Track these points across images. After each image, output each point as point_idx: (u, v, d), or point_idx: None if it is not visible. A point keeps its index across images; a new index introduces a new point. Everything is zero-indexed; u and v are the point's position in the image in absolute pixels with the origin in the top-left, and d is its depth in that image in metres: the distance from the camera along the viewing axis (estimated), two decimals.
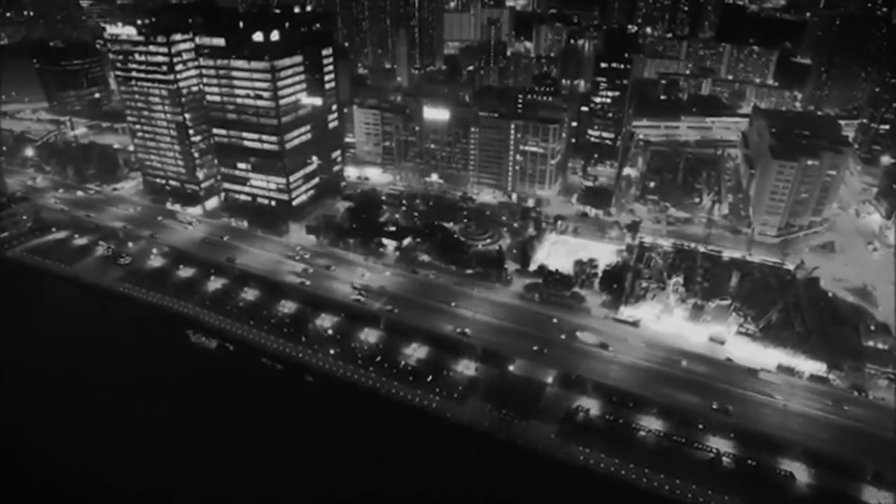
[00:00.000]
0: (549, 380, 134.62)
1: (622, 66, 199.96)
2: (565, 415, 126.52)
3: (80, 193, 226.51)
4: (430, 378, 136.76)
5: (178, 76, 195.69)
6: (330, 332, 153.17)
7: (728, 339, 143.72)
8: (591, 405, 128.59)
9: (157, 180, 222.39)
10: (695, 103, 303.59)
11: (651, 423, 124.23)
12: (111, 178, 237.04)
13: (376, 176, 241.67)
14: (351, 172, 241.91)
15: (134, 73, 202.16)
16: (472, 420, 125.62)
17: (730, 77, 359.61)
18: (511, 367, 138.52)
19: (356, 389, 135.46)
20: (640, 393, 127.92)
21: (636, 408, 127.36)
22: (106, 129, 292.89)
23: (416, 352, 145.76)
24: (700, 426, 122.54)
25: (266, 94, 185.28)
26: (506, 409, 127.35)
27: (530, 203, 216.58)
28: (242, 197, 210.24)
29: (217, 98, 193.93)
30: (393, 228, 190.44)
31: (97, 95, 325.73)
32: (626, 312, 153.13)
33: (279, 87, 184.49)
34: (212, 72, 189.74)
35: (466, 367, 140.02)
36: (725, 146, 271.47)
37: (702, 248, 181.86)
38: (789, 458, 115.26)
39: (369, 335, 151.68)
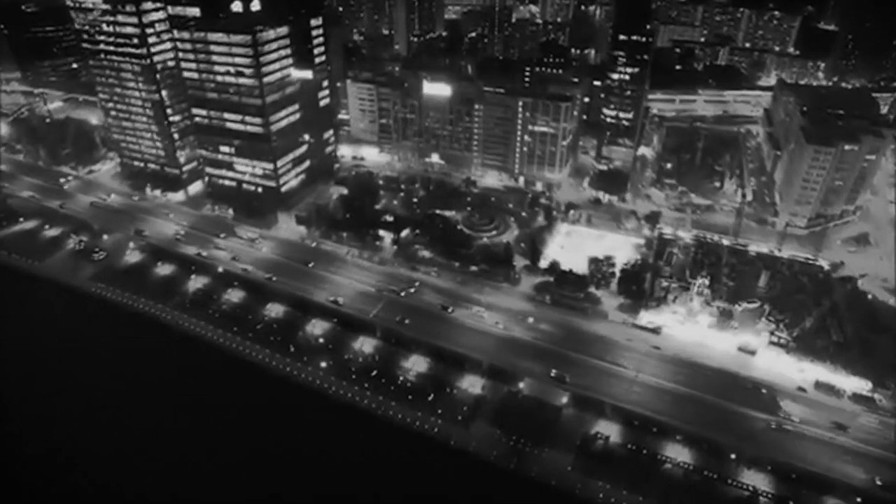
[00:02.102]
0: (564, 400, 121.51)
1: (643, 38, 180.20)
2: (582, 442, 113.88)
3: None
4: (431, 396, 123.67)
5: (152, 50, 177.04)
6: (321, 340, 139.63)
7: (759, 349, 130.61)
8: (610, 431, 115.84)
9: (136, 163, 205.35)
10: (712, 74, 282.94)
11: (678, 453, 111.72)
12: (88, 158, 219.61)
13: (373, 156, 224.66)
14: (345, 152, 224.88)
15: (102, 46, 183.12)
16: (478, 448, 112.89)
17: (748, 45, 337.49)
18: (521, 385, 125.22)
19: (353, 410, 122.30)
20: (666, 420, 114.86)
21: (660, 434, 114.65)
22: (83, 102, 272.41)
23: (415, 365, 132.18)
24: (732, 457, 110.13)
25: (248, 71, 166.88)
26: (516, 434, 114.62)
27: (538, 187, 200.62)
28: (227, 182, 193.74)
29: (195, 75, 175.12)
30: (390, 218, 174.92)
31: (74, 65, 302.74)
32: (646, 318, 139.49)
33: (262, 62, 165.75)
34: (188, 45, 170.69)
35: (472, 385, 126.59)
36: (745, 123, 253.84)
37: (725, 241, 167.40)
38: (835, 498, 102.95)
39: (364, 344, 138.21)
